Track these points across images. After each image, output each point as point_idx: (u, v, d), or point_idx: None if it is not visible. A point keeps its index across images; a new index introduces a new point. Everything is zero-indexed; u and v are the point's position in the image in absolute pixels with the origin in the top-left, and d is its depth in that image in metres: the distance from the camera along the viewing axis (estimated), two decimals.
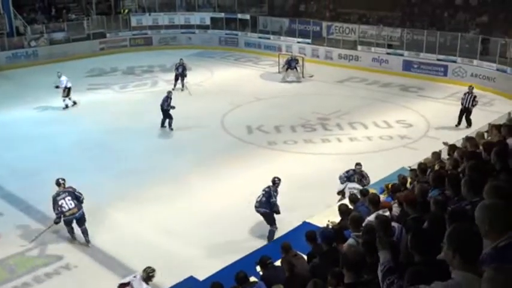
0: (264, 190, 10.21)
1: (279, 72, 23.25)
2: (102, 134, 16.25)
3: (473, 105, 16.27)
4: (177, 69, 21.18)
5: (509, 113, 13.40)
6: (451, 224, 3.40)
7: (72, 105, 19.15)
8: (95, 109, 19.00)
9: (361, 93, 20.65)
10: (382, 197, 8.42)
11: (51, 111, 18.69)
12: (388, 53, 24.16)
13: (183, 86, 20.73)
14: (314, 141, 15.40)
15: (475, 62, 21.22)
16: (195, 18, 31.50)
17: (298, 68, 22.60)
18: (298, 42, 27.29)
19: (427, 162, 9.15)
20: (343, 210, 7.62)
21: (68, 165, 13.59)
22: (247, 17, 30.47)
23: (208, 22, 31.38)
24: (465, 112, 16.38)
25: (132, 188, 12.25)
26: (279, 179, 10.35)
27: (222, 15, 31.21)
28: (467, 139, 8.83)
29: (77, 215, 9.93)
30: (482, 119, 14.96)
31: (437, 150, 9.87)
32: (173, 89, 19.24)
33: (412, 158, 11.41)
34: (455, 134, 12.23)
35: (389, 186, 9.09)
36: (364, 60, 24.74)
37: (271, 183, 10.31)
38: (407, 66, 23.30)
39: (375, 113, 17.80)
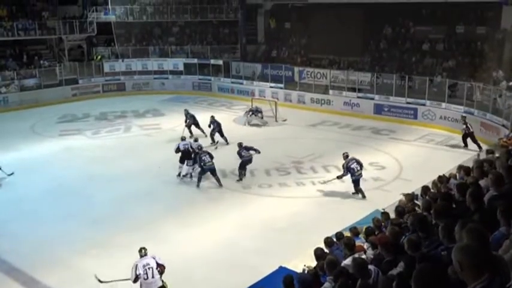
0: None
1: (244, 115, 23.37)
2: (73, 180, 15.97)
3: (471, 130, 18.23)
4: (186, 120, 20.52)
5: (478, 155, 13.71)
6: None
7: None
8: (67, 155, 18.71)
9: (334, 137, 20.89)
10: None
11: (22, 158, 18.29)
12: (359, 97, 24.65)
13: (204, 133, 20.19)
14: (289, 184, 15.38)
15: (444, 105, 21.79)
16: (168, 63, 31.77)
17: (260, 115, 22.78)
18: (271, 86, 27.68)
19: (402, 205, 9.20)
20: (318, 254, 7.56)
21: (36, 214, 13.33)
22: (220, 62, 30.90)
23: (181, 68, 31.67)
24: (468, 137, 18.24)
25: (103, 235, 11.94)
26: None
27: (195, 60, 31.57)
28: (440, 180, 8.95)
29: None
30: (451, 160, 15.26)
31: (410, 191, 9.98)
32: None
33: (385, 200, 11.48)
34: (426, 175, 12.37)
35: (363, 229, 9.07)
36: (336, 104, 25.17)
37: None
38: (378, 109, 23.78)
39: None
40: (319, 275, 6.76)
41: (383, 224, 8.39)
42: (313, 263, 7.65)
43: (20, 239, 11.92)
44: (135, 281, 8.92)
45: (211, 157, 15.07)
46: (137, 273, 8.85)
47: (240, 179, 15.61)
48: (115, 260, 10.83)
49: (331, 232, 8.70)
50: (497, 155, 9.89)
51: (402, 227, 6.83)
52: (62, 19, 31.27)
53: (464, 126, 18.42)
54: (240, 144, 15.99)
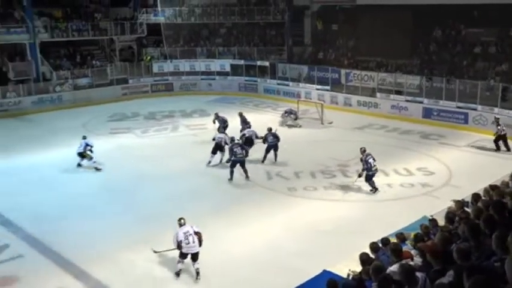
0: None
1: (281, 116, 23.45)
2: (123, 178, 16.43)
3: (504, 132, 18.23)
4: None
5: None
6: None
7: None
8: (117, 153, 19.24)
9: (381, 140, 20.60)
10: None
11: (74, 155, 18.90)
12: (407, 100, 24.23)
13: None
14: (334, 187, 15.30)
15: (496, 109, 21.13)
16: (215, 65, 32.17)
17: (293, 116, 22.94)
18: (317, 89, 27.58)
19: (451, 212, 9.00)
20: (364, 259, 7.49)
21: (86, 210, 13.80)
22: (267, 64, 31.03)
23: (228, 69, 32.02)
24: (501, 139, 18.29)
25: (152, 232, 12.20)
26: None
27: (242, 62, 31.84)
28: (492, 188, 8.71)
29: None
30: (503, 167, 14.79)
31: (459, 198, 9.76)
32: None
33: (433, 207, 11.26)
34: (477, 182, 12.04)
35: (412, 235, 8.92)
36: (383, 107, 24.84)
37: None
38: (427, 113, 23.29)
39: (395, 160, 17.70)
40: (363, 281, 6.72)
41: (431, 231, 8.25)
42: (358, 267, 7.60)
43: (73, 233, 12.35)
44: (178, 247, 10.14)
45: (243, 149, 16.05)
46: (178, 240, 10.09)
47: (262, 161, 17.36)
48: (162, 256, 11.09)
49: (376, 237, 8.61)
50: None
51: (452, 235, 6.70)
52: (113, 20, 32.24)
53: (498, 127, 18.32)
54: (269, 129, 17.66)
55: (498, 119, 18.86)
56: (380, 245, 8.27)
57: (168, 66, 32.15)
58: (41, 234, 12.30)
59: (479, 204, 7.93)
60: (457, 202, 9.52)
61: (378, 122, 23.47)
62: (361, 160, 14.64)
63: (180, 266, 10.43)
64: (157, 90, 31.31)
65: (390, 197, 14.40)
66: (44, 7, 30.47)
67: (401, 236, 8.82)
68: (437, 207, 10.92)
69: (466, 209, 9.19)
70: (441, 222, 8.70)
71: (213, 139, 17.51)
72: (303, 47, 33.68)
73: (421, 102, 23.66)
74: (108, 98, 28.77)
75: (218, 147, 17.27)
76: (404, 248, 7.85)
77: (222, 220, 12.93)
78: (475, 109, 21.86)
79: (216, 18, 33.74)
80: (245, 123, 19.85)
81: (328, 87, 27.29)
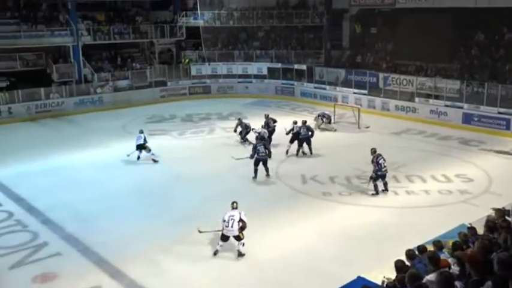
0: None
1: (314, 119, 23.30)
2: (160, 179, 16.70)
3: None
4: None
5: None
6: None
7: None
8: (155, 154, 19.52)
9: (419, 146, 20.29)
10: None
11: (112, 156, 19.37)
12: (446, 105, 23.75)
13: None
14: (369, 193, 15.14)
15: None
16: (253, 68, 32.31)
17: (326, 120, 22.93)
18: (355, 93, 27.35)
19: (492, 220, 8.80)
20: (399, 266, 7.40)
21: (124, 210, 14.10)
22: (304, 67, 30.95)
23: (265, 72, 32.10)
24: None
25: (187, 233, 12.36)
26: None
27: (279, 65, 31.87)
28: None
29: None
30: None
31: (500, 207, 9.53)
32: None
33: (472, 215, 11.02)
34: None
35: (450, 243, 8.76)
36: (422, 112, 24.43)
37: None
38: (467, 119, 22.78)
39: (433, 166, 17.39)
40: None
41: (470, 239, 8.08)
42: (392, 275, 7.52)
43: (110, 233, 12.64)
44: (223, 226, 11.23)
45: (266, 148, 16.76)
46: (224, 219, 11.22)
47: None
48: (196, 257, 11.24)
49: (411, 244, 8.48)
50: None
51: (492, 244, 6.55)
52: (153, 24, 32.81)
53: None
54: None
55: None
56: (416, 252, 8.16)
57: (206, 69, 32.49)
58: (78, 233, 12.63)
59: None
60: (497, 210, 9.29)
61: (416, 127, 23.10)
62: (372, 161, 14.82)
63: (218, 247, 11.34)
64: (194, 93, 31.70)
65: (427, 204, 14.15)
66: (88, 11, 31.32)
67: (438, 244, 8.66)
68: (476, 215, 10.68)
69: (507, 217, 8.97)
70: (480, 230, 8.51)
71: (252, 130, 19.35)
72: (341, 51, 33.46)
73: (461, 108, 23.16)
74: (146, 100, 29.31)
75: (261, 139, 18.15)
76: (442, 256, 7.72)
77: (256, 223, 12.91)
78: None
79: (255, 22, 33.88)
80: (268, 125, 20.08)
81: (365, 91, 27.03)
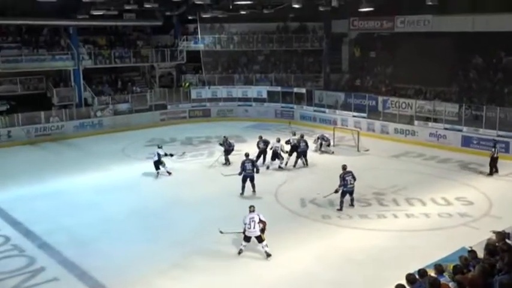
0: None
1: (314, 142, 23.49)
2: (158, 203, 16.61)
3: (496, 155, 19.05)
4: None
5: None
6: None
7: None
8: (153, 178, 19.50)
9: (418, 169, 20.25)
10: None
11: (112, 179, 19.34)
12: (445, 128, 23.78)
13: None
14: (369, 216, 15.06)
15: None
16: (252, 91, 32.47)
17: (325, 143, 23.15)
18: (354, 116, 27.42)
19: (492, 243, 8.72)
20: None
21: (123, 234, 14.01)
22: (303, 90, 31.11)
23: (265, 95, 32.25)
24: (495, 162, 18.97)
25: (184, 258, 12.28)
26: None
27: (279, 88, 32.04)
28: None
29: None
30: None
31: (500, 230, 9.45)
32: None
33: (472, 238, 10.93)
34: None
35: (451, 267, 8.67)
36: (421, 135, 24.46)
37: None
38: (467, 142, 22.78)
39: (433, 189, 17.34)
40: None
41: (471, 263, 8.00)
42: None
43: (107, 257, 12.53)
44: (244, 228, 12.26)
45: (253, 166, 17.18)
46: (245, 222, 12.25)
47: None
48: (194, 282, 11.11)
49: (412, 268, 8.37)
50: None
51: (492, 267, 6.49)
52: (154, 48, 33.10)
53: (494, 149, 19.12)
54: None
55: (496, 141, 19.88)
56: (417, 276, 8.06)
57: (206, 92, 32.66)
58: (76, 258, 12.50)
59: None
60: (497, 233, 9.22)
61: (416, 150, 23.09)
62: (340, 176, 15.42)
63: (242, 247, 12.41)
64: (194, 116, 31.80)
65: (427, 227, 14.05)
66: (89, 35, 31.65)
67: (439, 268, 8.56)
68: (476, 238, 10.57)
69: (507, 240, 8.89)
70: (480, 254, 8.43)
71: (270, 148, 20.45)
72: (340, 74, 33.69)
73: (460, 131, 23.19)
74: (146, 123, 29.39)
75: (275, 155, 20.28)
76: (442, 280, 7.62)
77: (254, 247, 12.87)
78: None
79: (255, 46, 34.20)
80: (265, 143, 21.00)
81: (365, 115, 27.11)
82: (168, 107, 31.39)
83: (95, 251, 12.89)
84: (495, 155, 19.09)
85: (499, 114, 22.24)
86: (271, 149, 20.49)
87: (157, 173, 19.43)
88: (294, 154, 20.77)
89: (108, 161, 21.76)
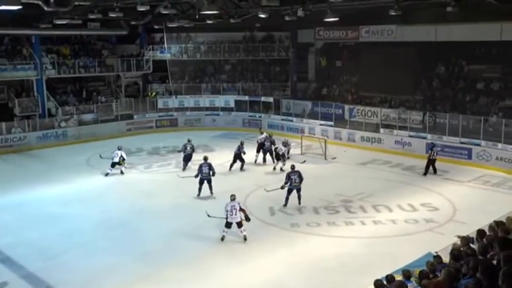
0: None
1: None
2: (125, 214, 16.33)
3: (434, 157, 20.60)
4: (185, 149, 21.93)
5: None
6: None
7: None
8: (119, 189, 19.21)
9: (385, 176, 20.53)
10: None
11: (76, 190, 18.94)
12: (410, 136, 24.22)
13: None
14: (337, 223, 15.15)
15: (500, 145, 21.08)
16: (220, 100, 32.41)
17: (283, 148, 22.68)
18: (321, 124, 27.66)
19: (457, 248, 8.84)
20: None
21: (89, 246, 13.70)
22: (271, 99, 31.23)
23: (232, 104, 32.23)
24: (431, 163, 20.46)
25: (152, 270, 12.09)
26: None
27: (246, 98, 32.07)
28: (497, 224, 8.60)
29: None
30: (509, 203, 14.67)
31: (464, 234, 9.60)
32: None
33: (438, 243, 11.09)
34: (482, 218, 11.91)
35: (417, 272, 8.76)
36: (387, 143, 24.83)
37: None
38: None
39: (399, 195, 17.59)
40: None
41: (437, 267, 8.09)
42: None
43: (73, 270, 12.23)
44: (226, 215, 13.76)
45: (210, 169, 17.80)
46: (226, 209, 13.75)
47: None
48: None
49: (380, 274, 8.47)
50: None
51: (458, 271, 6.57)
52: (120, 57, 32.69)
53: (431, 152, 20.54)
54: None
55: (434, 144, 21.05)
56: (385, 282, 8.12)
57: (173, 102, 32.43)
58: (40, 272, 12.16)
59: (485, 240, 7.82)
60: (462, 238, 9.36)
61: (382, 157, 23.42)
62: (286, 175, 16.54)
63: (224, 233, 13.79)
64: (161, 126, 31.50)
65: (394, 233, 14.23)
66: (52, 44, 31.04)
67: (407, 273, 8.66)
68: (442, 244, 10.72)
69: (472, 245, 9.05)
70: (446, 258, 8.54)
71: (257, 141, 22.32)
72: (307, 83, 33.97)
73: (425, 138, 23.65)
74: (112, 134, 28.90)
75: (260, 146, 22.25)
76: (409, 286, 7.69)
77: (223, 257, 12.80)
78: (478, 145, 21.82)
79: (222, 55, 34.19)
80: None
81: (331, 123, 27.38)
82: (135, 116, 31.00)
83: (60, 265, 12.55)
84: (432, 157, 20.47)
85: (461, 122, 22.77)
86: (275, 149, 21.71)
87: (121, 171, 20.93)
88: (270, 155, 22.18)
89: (73, 172, 21.31)
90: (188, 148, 21.81)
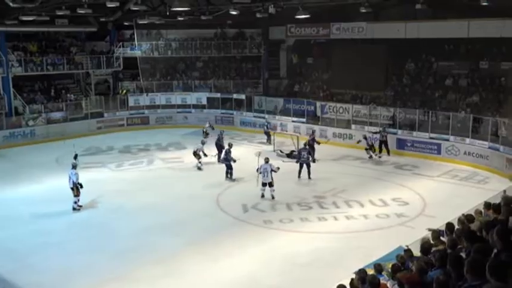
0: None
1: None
2: (96, 213, 16.14)
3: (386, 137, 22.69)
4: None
5: (504, 191, 13.41)
6: None
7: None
8: (90, 188, 18.82)
9: (356, 172, 20.74)
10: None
11: (45, 190, 18.56)
12: None
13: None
14: (310, 219, 15.23)
15: (468, 140, 21.53)
16: (192, 98, 32.22)
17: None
18: (293, 121, 27.76)
19: (427, 241, 8.98)
20: None
21: (59, 247, 13.45)
22: (243, 96, 31.20)
23: (204, 102, 32.10)
24: (383, 143, 22.56)
25: (125, 268, 11.95)
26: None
27: (218, 95, 31.98)
28: (466, 217, 8.76)
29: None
30: (477, 196, 14.95)
31: (435, 228, 9.76)
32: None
33: (409, 237, 11.25)
34: (451, 212, 12.13)
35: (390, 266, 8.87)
36: (358, 139, 25.02)
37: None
38: (401, 144, 23.57)
39: (370, 191, 17.79)
40: None
41: (407, 260, 8.21)
42: None
43: (43, 271, 11.98)
44: (258, 169, 16.78)
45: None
46: (260, 171, 16.53)
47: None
48: None
49: (353, 269, 8.53)
50: None
51: (428, 264, 6.67)
52: (89, 54, 32.16)
53: (381, 133, 22.75)
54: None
55: (384, 128, 23.12)
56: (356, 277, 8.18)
57: (144, 99, 32.08)
58: (9, 274, 11.86)
59: (454, 234, 7.95)
60: (433, 231, 9.52)
61: (353, 153, 23.63)
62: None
63: (262, 191, 16.69)
64: (132, 124, 31.12)
65: (366, 228, 14.39)
66: (19, 41, 30.32)
67: (378, 267, 8.76)
68: (413, 237, 10.86)
69: (442, 238, 9.21)
70: (417, 251, 8.67)
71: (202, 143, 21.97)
72: (278, 80, 34.07)
73: (395, 134, 23.97)
74: (82, 132, 28.42)
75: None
76: (381, 279, 7.78)
77: (196, 254, 12.74)
78: (447, 140, 22.23)
79: (193, 52, 33.96)
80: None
81: (303, 120, 27.51)
82: (105, 114, 30.56)
83: (29, 266, 12.28)
84: (382, 139, 22.66)
85: (431, 118, 23.16)
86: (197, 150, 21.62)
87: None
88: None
89: (41, 171, 20.88)
90: (220, 136, 22.74)
